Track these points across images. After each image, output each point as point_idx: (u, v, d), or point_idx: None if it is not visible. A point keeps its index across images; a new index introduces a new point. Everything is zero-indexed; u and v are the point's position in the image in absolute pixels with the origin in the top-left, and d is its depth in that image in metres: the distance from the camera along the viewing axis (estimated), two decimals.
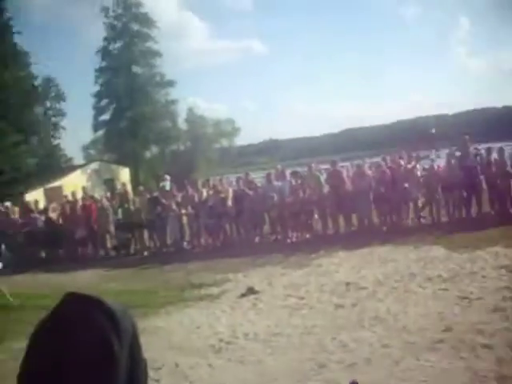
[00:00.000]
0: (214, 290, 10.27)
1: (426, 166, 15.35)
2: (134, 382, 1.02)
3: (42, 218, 17.42)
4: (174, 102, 54.64)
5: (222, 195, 15.63)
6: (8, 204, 18.97)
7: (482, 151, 14.92)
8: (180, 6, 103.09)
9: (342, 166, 19.17)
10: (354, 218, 14.91)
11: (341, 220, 15.00)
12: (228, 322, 8.10)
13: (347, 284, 9.32)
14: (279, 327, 7.51)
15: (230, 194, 15.75)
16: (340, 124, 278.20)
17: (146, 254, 16.04)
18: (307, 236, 14.90)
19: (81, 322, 0.96)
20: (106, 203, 16.98)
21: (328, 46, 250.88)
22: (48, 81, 55.73)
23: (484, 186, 14.15)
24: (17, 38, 41.97)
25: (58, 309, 1.00)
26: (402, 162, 15.07)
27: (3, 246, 16.41)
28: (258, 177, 19.63)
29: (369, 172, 15.30)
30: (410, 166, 14.66)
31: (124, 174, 43.13)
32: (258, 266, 12.10)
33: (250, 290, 9.58)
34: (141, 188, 17.63)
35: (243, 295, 9.47)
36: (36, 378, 0.95)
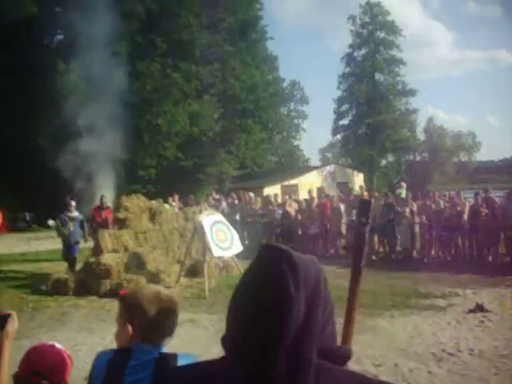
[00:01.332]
0: (441, 302, 10.17)
1: None
2: (312, 318, 1.24)
3: (280, 211, 18.64)
4: (414, 111, 54.02)
5: (459, 208, 15.26)
6: (251, 195, 20.59)
7: None
8: (426, 14, 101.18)
9: None
10: None
11: None
12: (452, 334, 8.03)
13: None
14: (507, 349, 7.25)
15: (467, 209, 15.30)
16: None
17: (374, 257, 16.28)
18: None
19: (271, 267, 1.26)
20: (340, 204, 17.61)
21: None
22: (293, 84, 58.79)
23: None
24: (268, 44, 44.90)
25: (259, 256, 1.32)
26: None
27: (245, 233, 18.06)
28: (495, 195, 18.70)
29: None
30: None
31: (358, 179, 43.68)
32: (488, 285, 11.66)
33: (479, 308, 9.32)
34: (376, 193, 17.91)
35: (471, 311, 9.26)
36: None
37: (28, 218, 30.00)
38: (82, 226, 13.97)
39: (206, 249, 11.43)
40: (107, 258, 11.91)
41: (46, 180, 25.56)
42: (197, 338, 7.88)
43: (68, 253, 13.61)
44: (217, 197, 21.02)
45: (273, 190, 30.46)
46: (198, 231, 11.64)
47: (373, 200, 2.06)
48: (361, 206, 1.88)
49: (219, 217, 12.17)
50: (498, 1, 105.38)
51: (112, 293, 10.98)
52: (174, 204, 20.08)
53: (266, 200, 20.21)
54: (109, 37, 24.26)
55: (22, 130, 26.95)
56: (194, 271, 12.87)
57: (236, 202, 20.47)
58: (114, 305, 10.46)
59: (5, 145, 26.84)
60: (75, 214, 13.91)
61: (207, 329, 8.67)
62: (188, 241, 12.70)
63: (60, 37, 33.69)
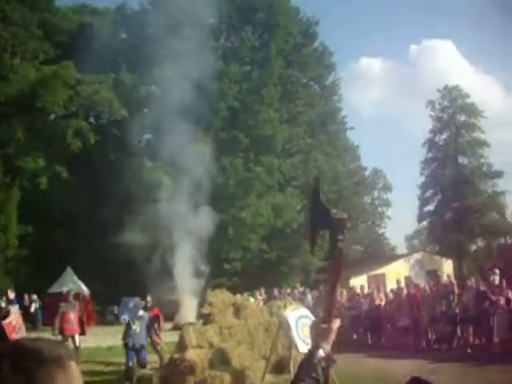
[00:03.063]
0: None
1: None
2: None
3: (367, 302, 18.16)
4: (502, 193, 52.41)
5: None
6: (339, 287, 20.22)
7: None
8: (507, 93, 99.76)
9: None
10: None
11: None
12: None
13: None
14: None
15: None
16: None
17: (469, 350, 15.41)
18: None
19: None
20: (430, 293, 17.00)
21: None
22: (376, 172, 58.69)
23: None
24: (349, 133, 45.49)
25: None
26: None
27: None
28: None
29: None
30: None
31: (447, 266, 42.30)
32: None
33: None
34: (468, 281, 17.17)
35: None
36: None
37: (117, 311, 30.64)
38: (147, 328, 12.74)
39: (291, 344, 11.19)
40: (191, 354, 11.85)
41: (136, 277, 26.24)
42: None
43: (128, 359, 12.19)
44: (301, 289, 20.77)
45: (359, 281, 29.85)
46: (284, 326, 11.44)
47: (345, 216, 2.05)
48: (337, 225, 1.87)
49: (305, 311, 11.96)
50: None
51: None
52: (259, 297, 20.00)
53: (353, 292, 19.79)
54: (195, 133, 25.37)
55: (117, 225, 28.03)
56: (279, 367, 12.53)
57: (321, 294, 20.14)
58: None
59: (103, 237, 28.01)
60: (141, 312, 12.57)
61: None
62: (273, 336, 12.50)
63: (148, 136, 35.64)
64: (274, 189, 34.99)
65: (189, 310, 19.65)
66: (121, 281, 27.92)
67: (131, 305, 12.85)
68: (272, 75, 35.79)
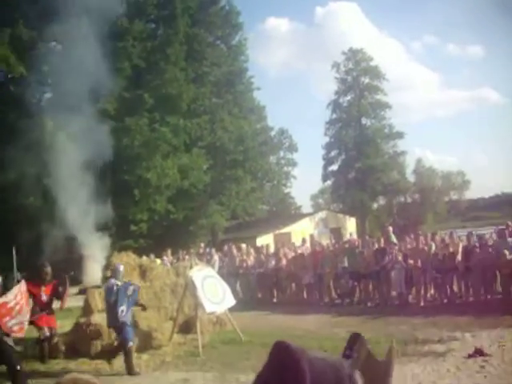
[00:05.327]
0: (440, 348, 9.94)
1: None
2: None
3: (273, 261, 18.47)
4: (402, 153, 54.57)
5: (451, 249, 15.17)
6: (243, 246, 20.43)
7: None
8: (408, 57, 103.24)
9: None
10: None
11: None
12: (452, 382, 7.81)
13: None
14: None
15: (460, 249, 15.22)
16: None
17: (369, 304, 16.09)
18: None
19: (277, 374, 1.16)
20: (332, 251, 17.51)
21: None
22: (282, 132, 59.23)
23: None
24: (255, 94, 45.55)
25: (272, 356, 1.22)
26: None
27: (238, 284, 17.90)
28: (487, 232, 18.64)
29: None
30: None
31: (350, 224, 43.69)
32: (487, 326, 11.44)
33: (479, 352, 9.10)
34: (367, 238, 17.80)
35: (470, 356, 9.03)
36: None
37: (20, 277, 29.52)
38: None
39: (197, 304, 11.23)
40: (97, 318, 11.64)
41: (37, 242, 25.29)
42: None
43: None
44: (208, 250, 20.81)
45: (265, 240, 30.33)
46: (189, 287, 11.45)
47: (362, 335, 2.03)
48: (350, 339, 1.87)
49: (210, 271, 12.02)
50: (478, 40, 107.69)
51: (103, 354, 10.70)
52: (166, 259, 19.88)
53: (258, 251, 20.06)
54: (97, 94, 24.45)
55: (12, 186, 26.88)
56: (186, 328, 12.60)
57: (228, 253, 20.26)
58: (105, 367, 10.20)
59: None
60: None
61: None
62: (180, 297, 12.49)
63: (48, 95, 34.08)
64: (179, 149, 34.57)
65: (94, 274, 19.20)
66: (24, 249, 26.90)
67: None
68: (178, 33, 34.94)
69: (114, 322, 9.86)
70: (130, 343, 9.77)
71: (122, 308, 9.71)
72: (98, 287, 13.41)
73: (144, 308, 10.99)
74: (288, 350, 1.20)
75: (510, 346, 9.69)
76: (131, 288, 10.14)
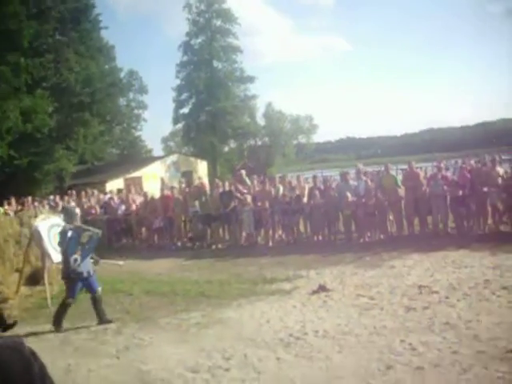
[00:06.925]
0: (286, 286, 10.41)
1: (509, 170, 14.92)
2: None
3: (122, 206, 18.12)
4: (253, 97, 55.22)
5: (298, 192, 15.78)
6: (94, 191, 19.81)
7: None
8: (262, 1, 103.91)
9: (420, 168, 18.92)
10: (430, 221, 14.73)
11: (416, 222, 14.87)
12: (298, 317, 8.22)
13: (419, 287, 9.25)
14: (349, 326, 7.56)
15: (306, 191, 15.88)
16: (419, 124, 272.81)
17: (220, 246, 16.39)
18: (381, 237, 14.83)
19: None
20: (183, 195, 17.49)
21: (405, 48, 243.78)
22: (131, 74, 57.50)
23: None
24: (104, 33, 43.44)
25: None
26: (481, 165, 14.79)
27: None
28: (334, 174, 19.62)
29: (447, 174, 15.09)
30: (489, 169, 14.34)
31: (202, 167, 43.91)
32: (330, 264, 12.17)
33: (322, 288, 9.66)
34: (217, 181, 17.97)
35: (314, 292, 9.57)
36: None
37: None
38: None
39: (44, 255, 10.75)
40: None
41: None
42: (41, 353, 7.35)
43: None
44: (53, 197, 19.89)
45: (116, 184, 29.67)
46: (35, 237, 10.91)
47: None
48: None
49: (56, 219, 11.49)
50: None
51: None
52: (8, 207, 18.75)
53: (108, 195, 19.57)
54: None
55: None
56: (34, 279, 12.06)
57: (75, 200, 19.49)
58: None
59: None
60: None
61: (51, 341, 8.14)
62: (25, 247, 11.88)
63: None
64: (21, 91, 32.27)
65: None
66: None
67: None
68: None
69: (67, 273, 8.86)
70: (99, 289, 8.98)
71: (75, 257, 8.72)
72: None
73: None
74: None
75: (349, 281, 10.38)
76: (86, 234, 9.05)
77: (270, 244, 15.69)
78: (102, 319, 8.86)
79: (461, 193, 14.09)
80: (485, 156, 15.79)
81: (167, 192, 17.86)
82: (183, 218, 17.44)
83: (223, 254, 15.25)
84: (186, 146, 58.79)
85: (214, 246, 16.42)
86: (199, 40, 53.70)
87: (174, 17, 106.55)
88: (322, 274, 11.27)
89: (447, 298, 8.49)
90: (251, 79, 54.54)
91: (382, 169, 16.20)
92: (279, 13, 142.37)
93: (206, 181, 21.79)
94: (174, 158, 44.16)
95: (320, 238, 15.42)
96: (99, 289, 8.98)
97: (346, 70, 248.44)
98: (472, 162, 16.00)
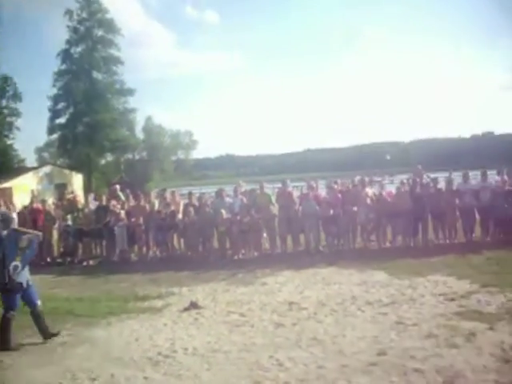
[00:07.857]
0: (158, 303, 10.23)
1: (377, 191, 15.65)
2: None
3: None
4: (132, 110, 54.47)
5: (173, 208, 15.64)
6: None
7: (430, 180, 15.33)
8: (146, 14, 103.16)
9: (296, 187, 19.41)
10: (302, 239, 15.13)
11: (289, 240, 15.21)
12: (168, 335, 8.10)
13: (289, 303, 9.43)
14: (219, 343, 7.55)
15: (181, 207, 15.78)
16: (302, 144, 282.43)
17: (91, 262, 15.85)
18: (255, 254, 15.01)
19: None
20: (53, 209, 16.76)
21: (291, 64, 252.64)
22: (5, 79, 54.62)
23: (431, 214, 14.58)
24: None
25: None
26: (352, 186, 15.49)
27: None
28: (212, 191, 19.67)
29: (318, 193, 15.63)
30: (359, 189, 15.02)
31: (77, 180, 42.69)
32: (203, 281, 12.12)
33: (193, 305, 9.59)
34: (91, 195, 17.43)
35: (186, 309, 9.48)
36: None
37: None
38: None
39: None
40: None
41: None
42: None
43: None
44: None
45: None
46: None
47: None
48: None
49: None
50: (215, 7, 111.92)
51: None
52: None
53: None
54: None
55: None
56: None
57: None
58: None
59: None
60: None
61: None
62: None
63: None
64: None
65: None
66: None
67: None
68: None
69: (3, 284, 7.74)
70: (38, 302, 8.09)
71: (15, 264, 7.66)
72: None
73: None
74: None
75: (221, 298, 10.38)
76: (25, 238, 8.02)
77: (144, 260, 15.38)
78: (46, 334, 8.11)
79: (332, 212, 14.61)
80: (355, 177, 16.43)
81: (37, 205, 17.00)
82: (54, 233, 16.64)
83: (95, 270, 14.78)
84: (62, 157, 56.68)
85: (85, 263, 15.84)
86: (79, 49, 52.28)
87: (54, 22, 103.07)
88: (194, 291, 11.20)
89: (315, 314, 8.72)
90: (131, 92, 53.83)
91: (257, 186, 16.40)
92: (164, 27, 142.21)
93: (81, 194, 21.05)
94: (47, 169, 42.63)
95: (194, 254, 15.33)
96: (38, 302, 8.17)
97: (228, 87, 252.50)
98: (339, 181, 16.62)
